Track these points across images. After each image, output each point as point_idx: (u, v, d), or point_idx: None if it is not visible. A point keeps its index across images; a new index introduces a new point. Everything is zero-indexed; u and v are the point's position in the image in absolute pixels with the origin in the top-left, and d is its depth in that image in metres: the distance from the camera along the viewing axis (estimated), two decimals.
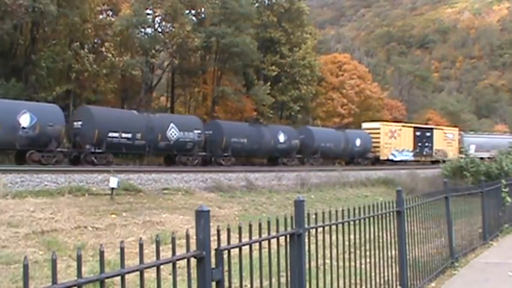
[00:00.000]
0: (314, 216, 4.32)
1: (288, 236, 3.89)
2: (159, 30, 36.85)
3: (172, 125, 27.65)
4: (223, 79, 41.71)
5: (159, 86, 41.98)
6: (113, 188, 15.16)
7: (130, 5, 34.66)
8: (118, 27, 33.17)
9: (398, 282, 6.02)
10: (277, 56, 43.43)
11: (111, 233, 11.83)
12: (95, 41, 34.69)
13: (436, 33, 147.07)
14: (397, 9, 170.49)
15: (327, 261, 4.48)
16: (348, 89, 52.08)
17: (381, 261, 5.59)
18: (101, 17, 34.70)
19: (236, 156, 31.51)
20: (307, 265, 4.08)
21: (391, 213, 6.00)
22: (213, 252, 2.95)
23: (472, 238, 9.67)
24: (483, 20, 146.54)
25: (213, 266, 2.97)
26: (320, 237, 4.38)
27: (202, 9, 39.98)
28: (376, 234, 5.52)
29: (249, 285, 3.36)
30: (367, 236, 5.32)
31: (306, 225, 4.12)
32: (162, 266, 2.66)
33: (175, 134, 27.60)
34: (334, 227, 4.68)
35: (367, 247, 5.38)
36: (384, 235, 5.76)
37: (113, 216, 13.27)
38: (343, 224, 4.83)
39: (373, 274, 5.38)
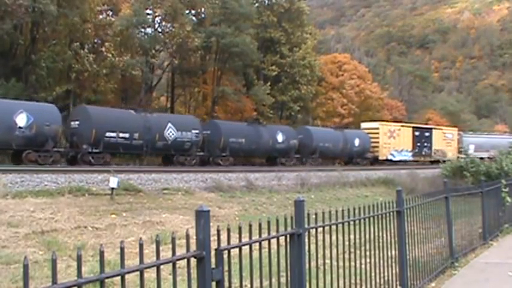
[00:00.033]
0: (314, 216, 4.32)
1: (288, 236, 3.89)
2: (159, 30, 36.84)
3: (170, 124, 27.54)
4: (223, 79, 41.68)
5: (159, 86, 41.97)
6: (113, 188, 15.17)
7: (131, 5, 34.65)
8: (118, 27, 33.17)
9: (398, 282, 6.02)
10: (277, 56, 43.39)
11: (111, 233, 11.84)
12: (95, 41, 34.66)
13: (436, 33, 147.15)
14: (397, 9, 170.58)
15: (327, 261, 4.48)
16: (347, 89, 52.07)
17: (381, 261, 5.59)
18: (101, 17, 34.66)
19: (234, 156, 31.43)
20: (307, 265, 4.07)
21: (391, 213, 6.00)
22: (213, 252, 2.95)
23: (472, 238, 9.67)
24: (483, 20, 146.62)
25: (213, 266, 2.97)
26: (320, 237, 4.38)
27: (202, 9, 39.96)
28: (376, 234, 5.52)
29: (249, 285, 3.36)
30: (367, 236, 5.32)
31: (306, 225, 4.12)
32: (162, 266, 2.66)
33: (173, 134, 27.49)
34: (334, 227, 4.68)
35: (367, 247, 5.37)
36: (384, 235, 5.76)
37: (113, 216, 13.28)
38: (343, 224, 4.83)
39: (373, 274, 5.38)
